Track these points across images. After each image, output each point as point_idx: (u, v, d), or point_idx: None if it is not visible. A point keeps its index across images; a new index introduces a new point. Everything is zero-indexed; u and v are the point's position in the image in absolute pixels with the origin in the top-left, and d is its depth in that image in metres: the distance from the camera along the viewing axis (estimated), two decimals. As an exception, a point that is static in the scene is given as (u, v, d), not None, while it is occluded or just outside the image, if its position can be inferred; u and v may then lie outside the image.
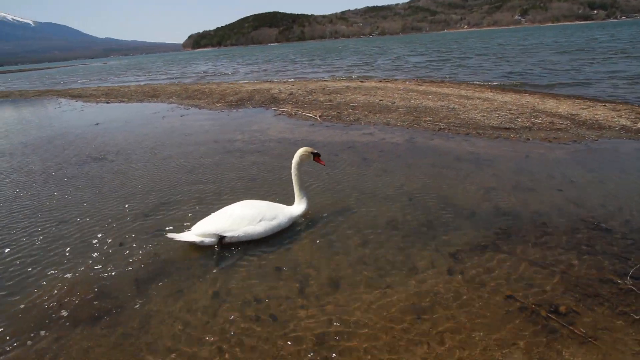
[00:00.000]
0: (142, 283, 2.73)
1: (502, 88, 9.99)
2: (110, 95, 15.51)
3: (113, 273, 2.87)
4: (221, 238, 3.07)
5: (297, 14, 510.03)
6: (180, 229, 3.40)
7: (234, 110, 9.74)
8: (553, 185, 3.90)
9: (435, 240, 3.07)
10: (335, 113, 8.01)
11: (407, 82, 11.60)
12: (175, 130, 7.86)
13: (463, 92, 9.00)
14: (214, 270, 2.82)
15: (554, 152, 4.78)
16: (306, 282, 2.64)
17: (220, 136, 6.98)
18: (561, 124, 5.88)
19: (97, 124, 9.45)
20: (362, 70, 19.56)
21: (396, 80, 12.62)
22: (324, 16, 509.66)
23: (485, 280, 2.51)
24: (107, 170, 5.35)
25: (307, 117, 7.96)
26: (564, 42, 31.46)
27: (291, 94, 10.85)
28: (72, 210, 4.03)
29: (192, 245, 3.14)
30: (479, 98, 8.10)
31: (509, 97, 7.96)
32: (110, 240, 3.33)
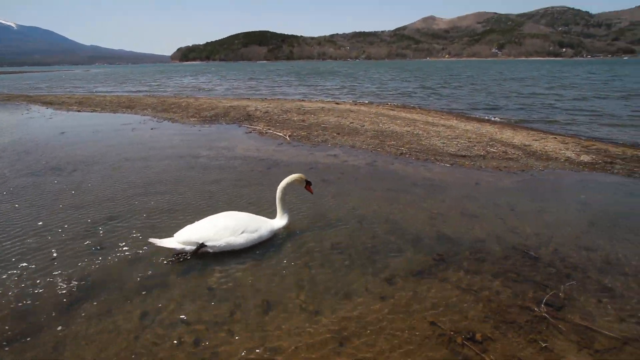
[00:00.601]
0: (69, 302, 2.61)
1: (467, 117, 10.50)
2: (83, 104, 15.17)
3: (39, 291, 2.74)
4: (200, 246, 3.15)
5: (287, 34, 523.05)
6: (115, 247, 3.31)
7: (207, 126, 9.73)
8: (496, 213, 4.08)
9: (376, 264, 3.12)
10: (305, 133, 8.15)
11: (380, 107, 12.00)
12: (142, 143, 7.74)
13: (430, 119, 9.38)
14: (149, 289, 2.75)
15: (502, 181, 5.03)
16: (239, 305, 2.61)
17: (187, 151, 6.94)
18: (513, 153, 6.22)
19: (63, 132, 9.19)
20: (341, 93, 20.10)
21: (370, 104, 13.04)
22: (312, 38, 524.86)
23: (414, 306, 2.57)
24: (59, 182, 5.18)
25: (277, 136, 8.05)
26: (536, 75, 33.59)
27: (266, 112, 10.98)
28: (10, 223, 3.85)
29: (126, 262, 3.07)
30: (443, 125, 8.47)
31: (470, 126, 8.36)
32: (43, 256, 3.20)
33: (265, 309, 2.56)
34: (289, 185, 3.67)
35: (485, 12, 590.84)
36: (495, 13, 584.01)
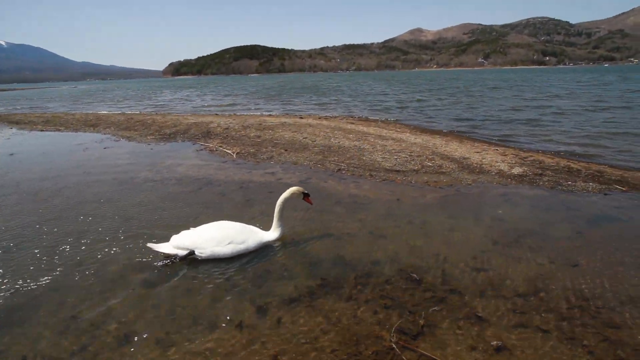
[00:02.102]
0: None
1: (422, 129, 10.59)
2: (49, 123, 14.99)
3: None
4: (191, 253, 3.41)
5: (278, 48, 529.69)
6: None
7: (161, 144, 9.64)
8: (405, 233, 4.02)
9: (259, 290, 3.03)
10: (254, 150, 8.10)
11: (342, 120, 12.06)
12: (85, 163, 7.61)
13: (384, 132, 9.43)
14: (11, 325, 2.61)
15: (425, 197, 5.00)
16: (99, 336, 2.49)
17: (126, 171, 6.82)
18: (448, 167, 6.23)
19: (12, 154, 9.01)
20: (313, 106, 20.24)
21: (333, 117, 13.10)
22: (303, 51, 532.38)
23: (267, 336, 2.47)
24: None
25: (225, 154, 7.98)
26: (523, 87, 34.31)
27: (227, 128, 10.94)
28: None
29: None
30: (393, 139, 8.50)
31: (420, 139, 8.41)
32: None
33: (123, 342, 2.45)
34: (287, 199, 3.78)
35: (469, 23, 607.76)
36: (480, 24, 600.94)
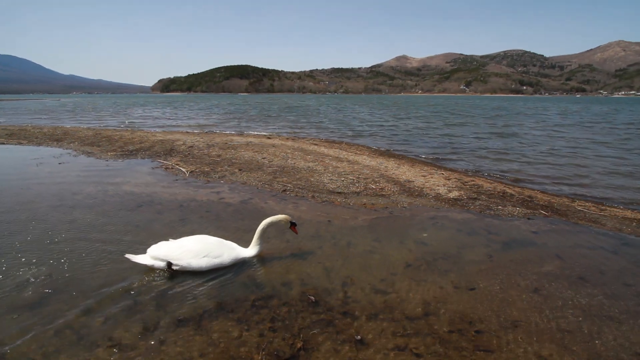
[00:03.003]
0: None
1: (381, 152, 10.88)
2: (14, 136, 14.61)
3: None
4: (168, 264, 3.47)
5: (268, 69, 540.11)
6: None
7: (119, 161, 9.53)
8: (326, 254, 4.06)
9: (158, 311, 2.97)
10: (209, 169, 8.11)
11: (306, 141, 12.28)
12: (32, 178, 7.42)
13: (343, 154, 9.63)
14: None
15: (356, 219, 5.09)
16: None
17: (71, 187, 6.68)
18: (389, 189, 6.39)
19: (-42, 167, 8.70)
20: (291, 128, 20.54)
21: (298, 138, 13.33)
22: (293, 72, 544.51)
23: (144, 357, 2.41)
24: None
25: (179, 172, 7.96)
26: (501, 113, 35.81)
27: (191, 146, 10.94)
28: None
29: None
30: (348, 161, 8.69)
31: (375, 162, 8.62)
32: None
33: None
34: (273, 223, 3.91)
35: (452, 52, 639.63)
36: (462, 54, 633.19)
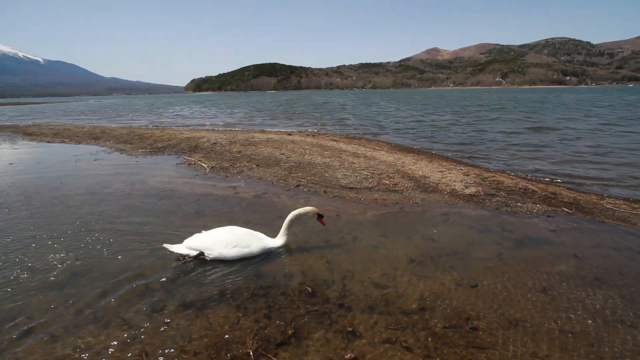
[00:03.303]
0: None
1: (400, 148, 10.67)
2: (58, 135, 15.93)
3: None
4: (200, 254, 3.77)
5: (296, 66, 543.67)
6: None
7: (148, 157, 10.12)
8: (331, 247, 4.12)
9: (164, 294, 3.18)
10: (228, 165, 8.40)
11: (326, 137, 12.31)
12: (70, 173, 8.10)
13: (361, 150, 9.58)
14: None
15: (365, 214, 5.08)
16: None
17: (102, 182, 7.22)
18: (404, 185, 6.29)
19: (11, 163, 9.66)
20: (313, 124, 20.65)
21: (318, 135, 13.37)
22: (320, 69, 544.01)
23: (147, 336, 2.61)
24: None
25: (201, 167, 8.32)
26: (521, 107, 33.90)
27: (215, 143, 11.37)
28: None
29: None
30: (365, 156, 8.64)
31: (392, 157, 8.50)
32: None
33: (21, 334, 2.65)
34: (301, 215, 4.08)
35: (487, 43, 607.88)
36: (497, 44, 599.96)
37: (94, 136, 14.92)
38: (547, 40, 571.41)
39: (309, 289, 3.23)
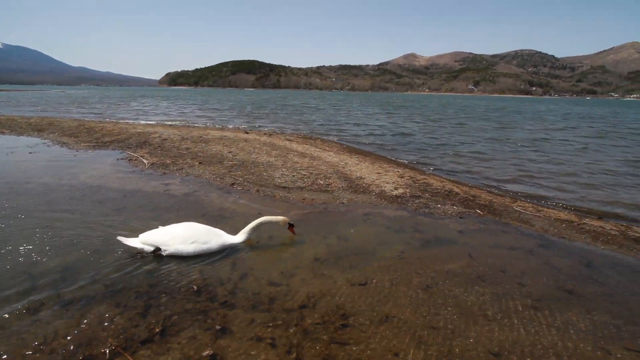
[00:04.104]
0: None
1: (349, 149, 10.86)
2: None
3: None
4: (156, 249, 3.70)
5: (275, 64, 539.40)
6: None
7: (90, 151, 9.67)
8: (242, 247, 4.10)
9: (53, 293, 3.05)
10: (170, 161, 8.19)
11: (281, 136, 12.30)
12: (-7, 167, 7.58)
13: (311, 150, 9.64)
14: None
15: (288, 213, 5.07)
16: None
17: (29, 176, 6.83)
18: (337, 185, 6.41)
19: None
20: (278, 123, 20.57)
21: (274, 134, 13.34)
22: (300, 68, 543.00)
23: (17, 333, 2.50)
24: None
25: (141, 163, 8.05)
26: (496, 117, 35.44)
27: (165, 139, 11.04)
28: None
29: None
30: (312, 157, 8.71)
31: (337, 158, 8.63)
32: None
33: None
34: (271, 222, 4.13)
35: (461, 51, 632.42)
36: (471, 53, 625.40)
37: (39, 128, 14.05)
38: (516, 52, 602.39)
39: (195, 287, 3.21)
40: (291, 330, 2.69)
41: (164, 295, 3.09)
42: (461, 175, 8.39)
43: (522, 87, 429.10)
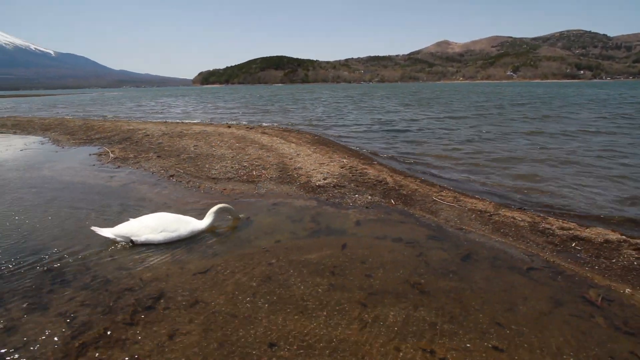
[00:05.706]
0: None
1: (317, 141, 10.68)
2: (16, 126, 16.36)
3: None
4: (131, 240, 3.93)
5: (303, 59, 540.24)
6: None
7: (74, 148, 10.39)
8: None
9: None
10: (133, 155, 8.60)
11: (257, 130, 12.39)
12: (-21, 163, 8.40)
13: (275, 143, 9.63)
14: None
15: (198, 203, 5.20)
16: None
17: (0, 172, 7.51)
18: (266, 176, 6.39)
19: None
20: (281, 118, 20.71)
21: (252, 127, 13.42)
22: (327, 62, 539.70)
23: None
24: None
25: (107, 157, 8.54)
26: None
27: (147, 135, 11.58)
28: None
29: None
30: (268, 148, 8.73)
31: (293, 149, 8.55)
32: None
33: None
34: (225, 209, 4.39)
35: (499, 36, 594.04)
36: (510, 37, 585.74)
37: (47, 128, 15.28)
38: (561, 33, 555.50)
39: (48, 267, 3.41)
40: (96, 310, 2.79)
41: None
42: (417, 167, 7.99)
43: (567, 70, 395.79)
